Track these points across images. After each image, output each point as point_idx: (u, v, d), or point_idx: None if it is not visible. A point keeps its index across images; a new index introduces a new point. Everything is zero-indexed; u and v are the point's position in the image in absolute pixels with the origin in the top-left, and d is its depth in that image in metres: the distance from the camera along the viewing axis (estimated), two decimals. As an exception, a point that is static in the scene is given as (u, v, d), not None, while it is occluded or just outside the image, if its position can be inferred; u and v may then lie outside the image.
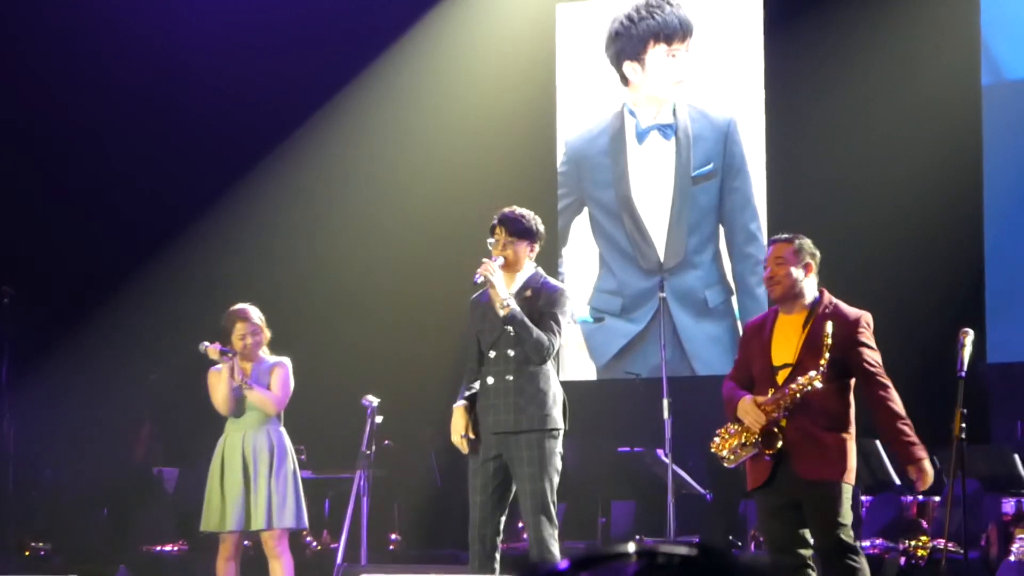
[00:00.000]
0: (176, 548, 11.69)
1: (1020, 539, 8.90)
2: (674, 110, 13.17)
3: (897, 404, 6.92)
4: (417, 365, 12.98)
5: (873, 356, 6.95)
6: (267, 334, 9.05)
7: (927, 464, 6.89)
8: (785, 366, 6.94)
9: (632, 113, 13.33)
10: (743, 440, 6.94)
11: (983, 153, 11.71)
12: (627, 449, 11.41)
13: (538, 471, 7.50)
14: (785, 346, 6.99)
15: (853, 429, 6.97)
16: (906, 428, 6.90)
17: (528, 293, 7.70)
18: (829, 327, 6.83)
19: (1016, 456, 10.01)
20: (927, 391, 9.30)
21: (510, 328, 7.54)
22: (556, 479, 7.58)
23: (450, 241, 13.18)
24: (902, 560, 9.62)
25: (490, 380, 7.61)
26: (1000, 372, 11.48)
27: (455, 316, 12.84)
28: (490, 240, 7.74)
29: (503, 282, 7.59)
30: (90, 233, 13.77)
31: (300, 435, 11.35)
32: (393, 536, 12.05)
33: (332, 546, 10.62)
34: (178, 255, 13.68)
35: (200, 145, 13.69)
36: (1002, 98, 11.70)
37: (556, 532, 7.56)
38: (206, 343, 8.84)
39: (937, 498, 9.87)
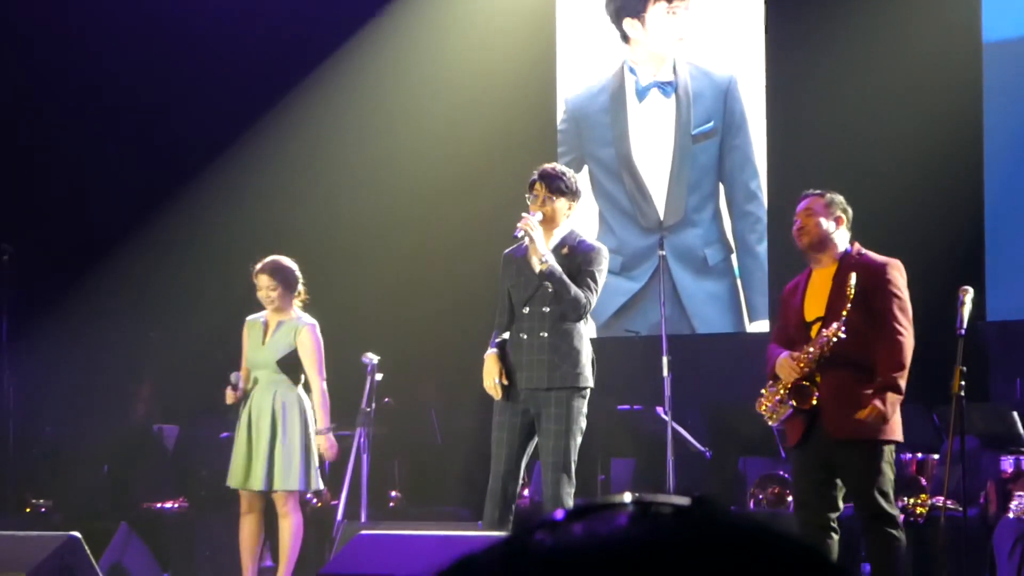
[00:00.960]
0: (176, 505, 11.72)
1: (1018, 497, 8.91)
2: (674, 68, 13.14)
3: (896, 354, 6.82)
4: (417, 323, 12.99)
5: (895, 303, 6.85)
6: (301, 291, 9.02)
7: (877, 406, 6.74)
8: (816, 320, 6.92)
9: (632, 71, 13.30)
10: (780, 397, 6.90)
11: (983, 110, 11.68)
12: (627, 407, 11.42)
13: (564, 428, 7.52)
14: (817, 300, 6.98)
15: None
16: (885, 380, 6.78)
17: (565, 251, 7.70)
18: (853, 278, 6.80)
19: (1015, 414, 10.02)
20: (927, 349, 9.28)
21: (548, 284, 7.52)
22: (579, 439, 7.59)
23: (451, 198, 13.18)
24: (901, 518, 9.64)
25: (523, 336, 7.61)
26: (1000, 330, 11.49)
27: (456, 273, 12.87)
28: (529, 196, 7.73)
29: (543, 237, 7.57)
30: (89, 190, 13.76)
31: (300, 392, 11.38)
32: (393, 493, 12.08)
33: (332, 503, 10.65)
34: (178, 213, 13.67)
35: (200, 103, 13.66)
36: (1003, 55, 11.68)
37: (573, 491, 7.57)
38: (230, 386, 8.86)
39: (936, 456, 9.89)
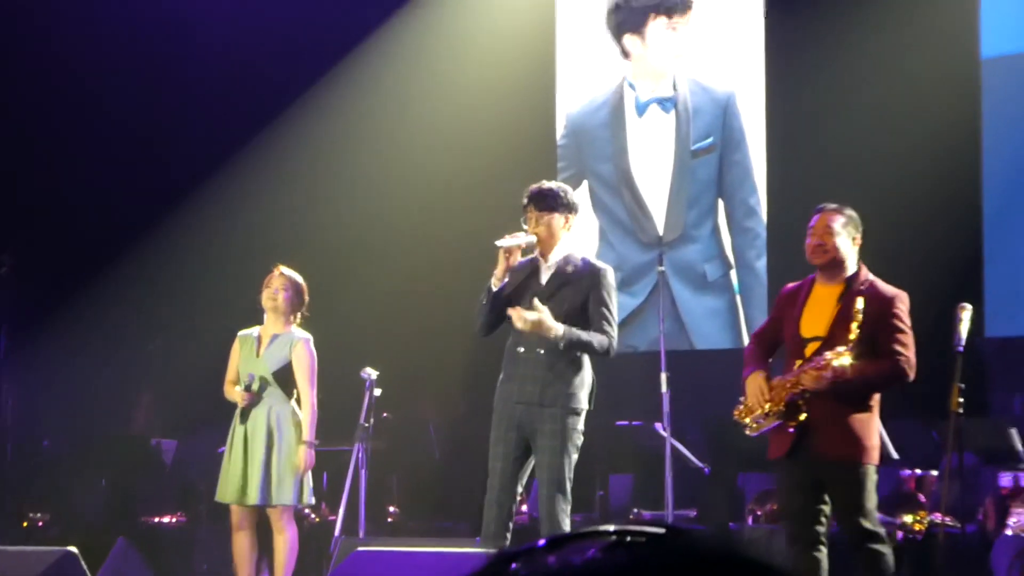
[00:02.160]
0: (175, 519, 11.71)
1: (1017, 513, 8.91)
2: (674, 83, 13.15)
3: (886, 378, 6.80)
4: (416, 338, 12.99)
5: (904, 338, 6.78)
6: (303, 307, 9.02)
7: (825, 376, 6.73)
8: (815, 339, 6.85)
9: (632, 86, 13.31)
10: (766, 410, 6.87)
11: (982, 126, 11.69)
12: (625, 423, 11.41)
13: (559, 446, 7.49)
14: (817, 318, 6.89)
15: (877, 407, 6.90)
16: (865, 383, 6.79)
17: (570, 269, 7.66)
18: (860, 303, 6.73)
19: (1014, 430, 10.02)
20: (925, 365, 9.29)
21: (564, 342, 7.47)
22: (575, 457, 7.56)
23: (451, 213, 13.18)
24: (899, 534, 9.63)
25: (520, 350, 7.57)
26: (998, 346, 11.48)
27: (456, 289, 12.86)
28: (523, 221, 7.70)
29: (544, 317, 7.45)
30: (89, 202, 13.76)
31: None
32: (391, 508, 12.07)
33: (330, 518, 10.64)
34: (177, 225, 13.68)
35: (201, 114, 13.67)
36: (1001, 71, 11.68)
37: (569, 508, 7.55)
38: (245, 387, 8.86)
39: (935, 472, 9.88)
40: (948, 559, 8.48)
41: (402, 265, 13.45)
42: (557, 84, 13.68)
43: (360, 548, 7.86)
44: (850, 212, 7.03)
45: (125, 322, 13.60)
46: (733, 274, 12.84)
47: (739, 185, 12.86)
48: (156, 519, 11.73)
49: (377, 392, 9.87)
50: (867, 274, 6.95)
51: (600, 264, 7.81)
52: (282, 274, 8.98)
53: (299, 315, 9.02)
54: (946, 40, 11.88)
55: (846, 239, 6.93)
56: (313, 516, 11.50)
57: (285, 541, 8.87)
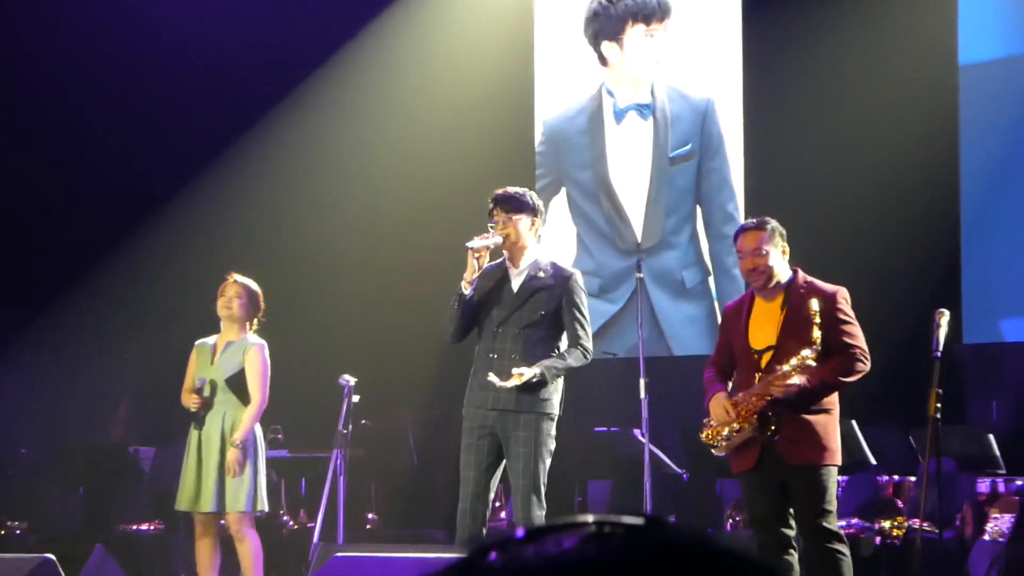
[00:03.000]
0: (152, 527, 11.68)
1: (994, 519, 8.94)
2: (652, 90, 13.16)
3: (846, 373, 6.83)
4: (395, 345, 12.98)
5: (853, 330, 6.88)
6: (259, 314, 9.01)
7: (792, 383, 6.77)
8: (767, 349, 6.90)
9: (610, 93, 13.32)
10: (736, 428, 6.89)
11: (960, 133, 11.72)
12: (604, 429, 11.42)
13: (533, 452, 7.49)
14: (765, 328, 6.94)
15: (837, 409, 6.95)
16: (828, 385, 6.82)
17: (541, 275, 7.68)
18: (815, 304, 6.78)
19: (991, 436, 10.05)
20: (903, 371, 9.31)
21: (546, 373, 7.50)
22: (548, 462, 7.57)
23: (428, 220, 13.17)
24: (877, 540, 9.65)
25: (493, 356, 7.58)
26: (976, 352, 11.51)
27: (434, 295, 12.84)
28: (490, 225, 7.71)
29: (521, 373, 7.47)
30: (67, 210, 13.73)
31: (277, 415, 11.36)
32: (370, 515, 12.06)
33: (309, 525, 10.62)
34: (155, 234, 13.65)
35: (178, 123, 13.65)
36: (979, 78, 11.72)
37: (544, 514, 7.56)
38: (197, 391, 8.85)
39: (913, 478, 9.90)
40: (926, 565, 8.50)
41: (381, 272, 13.44)
42: (535, 91, 13.69)
43: (338, 554, 7.86)
44: (772, 224, 7.05)
45: (102, 330, 13.57)
46: (711, 281, 12.85)
47: (717, 191, 12.87)
48: (134, 527, 11.70)
49: (356, 399, 9.86)
50: (803, 276, 7.00)
51: (570, 269, 7.83)
52: (236, 282, 8.96)
53: (255, 322, 9.00)
54: (924, 47, 11.91)
55: (776, 254, 6.97)
56: (291, 523, 11.48)
57: (247, 548, 8.84)
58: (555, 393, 7.59)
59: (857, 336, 6.89)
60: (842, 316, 6.89)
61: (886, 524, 9.55)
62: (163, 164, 13.67)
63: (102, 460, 12.65)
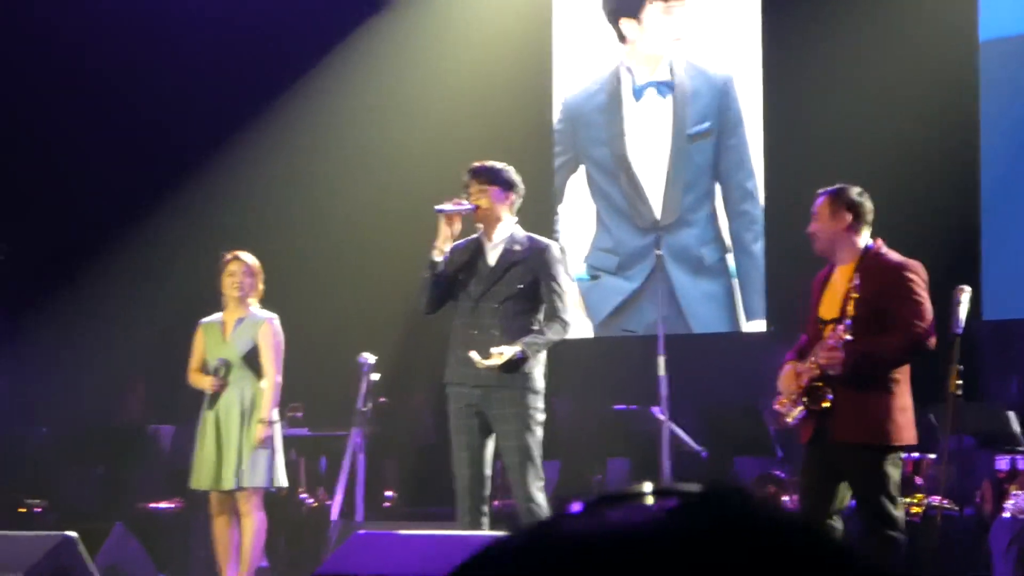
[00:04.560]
0: (172, 505, 11.70)
1: (1014, 496, 8.91)
2: (671, 67, 13.12)
3: (899, 349, 6.75)
4: (412, 322, 12.96)
5: (915, 306, 6.74)
6: (260, 287, 9.04)
7: (836, 354, 6.74)
8: (832, 320, 6.85)
9: (629, 70, 13.29)
10: (794, 397, 6.88)
11: (980, 109, 11.68)
12: (623, 406, 11.40)
13: (523, 426, 7.48)
14: (833, 299, 6.89)
15: (904, 388, 6.83)
16: (871, 352, 6.77)
17: (517, 248, 7.67)
18: (856, 279, 6.74)
19: (1011, 413, 10.02)
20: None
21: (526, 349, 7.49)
22: (540, 432, 7.55)
23: (446, 198, 13.14)
24: (903, 520, 9.63)
25: (474, 332, 7.56)
26: (996, 329, 11.47)
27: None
28: (464, 195, 7.73)
29: (500, 352, 7.45)
30: (81, 189, 13.73)
31: (296, 393, 11.36)
32: (388, 493, 12.07)
33: (328, 503, 10.63)
34: (170, 212, 13.65)
35: (191, 102, 13.64)
36: (999, 54, 11.67)
37: (543, 484, 7.56)
38: (215, 371, 8.86)
39: (932, 455, 9.88)
40: (945, 542, 8.49)
41: (400, 250, 13.42)
42: (553, 69, 13.66)
43: (359, 531, 7.86)
44: (842, 191, 6.99)
45: (120, 309, 13.58)
46: (730, 258, 12.82)
47: (736, 169, 12.84)
48: (152, 505, 11.72)
49: (374, 377, 9.86)
50: (880, 247, 6.92)
51: (546, 240, 7.81)
52: (239, 259, 8.99)
53: (258, 294, 9.03)
54: (944, 23, 11.86)
55: (829, 221, 6.91)
56: (311, 500, 11.50)
57: (252, 525, 8.86)
58: (537, 366, 7.57)
59: (918, 311, 6.74)
60: (904, 291, 6.77)
61: (906, 501, 9.52)
62: (178, 145, 13.66)
63: (120, 439, 12.68)
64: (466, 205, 7.63)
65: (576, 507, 1.05)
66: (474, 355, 7.43)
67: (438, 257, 7.59)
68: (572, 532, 1.04)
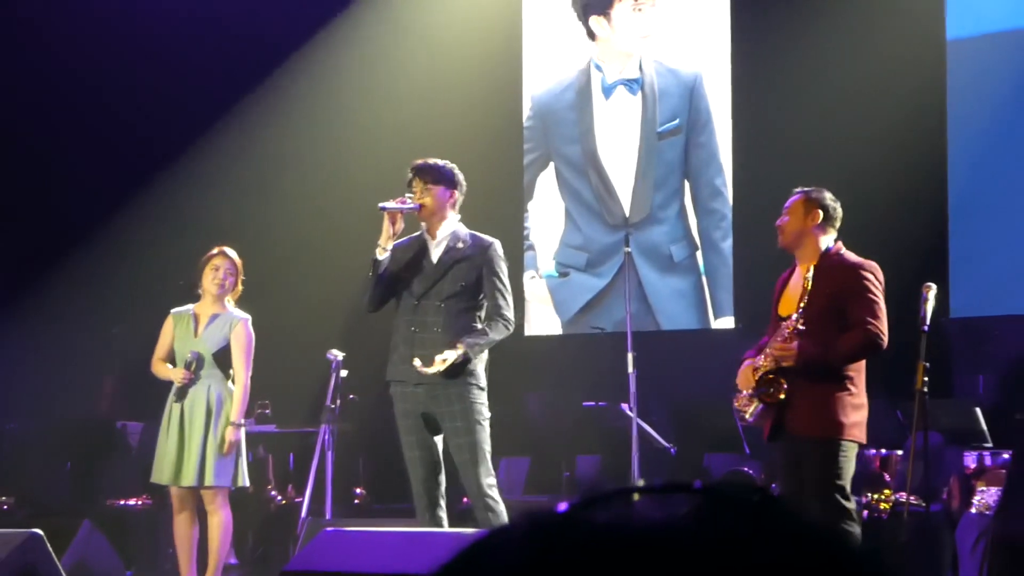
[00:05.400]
0: (140, 502, 11.67)
1: (981, 492, 8.95)
2: (640, 65, 13.14)
3: (853, 347, 6.87)
4: (382, 320, 12.95)
5: (870, 306, 6.89)
6: (240, 287, 9.01)
7: (790, 347, 6.85)
8: (789, 317, 6.97)
9: (598, 68, 13.30)
10: (750, 392, 6.99)
11: (947, 107, 11.72)
12: (592, 403, 11.42)
13: (471, 423, 7.48)
14: (792, 297, 7.03)
15: (859, 386, 6.96)
16: (825, 345, 6.84)
17: (460, 245, 7.67)
18: (810, 273, 6.88)
19: (978, 410, 10.06)
20: (890, 345, 9.32)
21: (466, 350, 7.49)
22: (487, 428, 7.56)
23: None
24: (864, 513, 9.67)
25: (415, 329, 7.56)
26: (963, 326, 11.52)
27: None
28: (409, 195, 7.73)
29: (448, 356, 7.44)
30: (53, 187, 13.69)
31: (265, 390, 11.34)
32: (358, 490, 12.06)
33: (297, 500, 10.62)
34: (141, 209, 13.62)
35: (164, 99, 13.61)
36: (967, 53, 11.71)
37: (494, 481, 7.56)
38: (187, 365, 8.82)
39: (900, 452, 9.92)
40: (913, 538, 8.52)
41: (369, 247, 13.40)
42: (523, 66, 13.67)
43: (327, 528, 7.85)
44: (814, 193, 7.14)
45: (90, 305, 13.54)
46: (699, 255, 12.86)
47: (705, 166, 12.87)
48: (121, 501, 11.69)
49: (344, 374, 9.85)
50: (839, 248, 7.07)
51: (489, 239, 7.80)
52: (225, 254, 8.95)
53: (236, 293, 9.00)
54: (912, 22, 11.90)
55: (800, 217, 7.05)
56: (280, 498, 11.48)
57: (219, 523, 8.83)
58: (479, 364, 7.58)
59: (873, 310, 6.90)
60: (860, 290, 6.92)
61: (873, 497, 9.56)
62: (151, 143, 13.63)
63: (89, 435, 12.64)
64: (410, 204, 7.64)
65: (561, 506, 1.03)
66: (417, 363, 7.43)
67: (381, 255, 7.60)
68: (593, 527, 1.01)
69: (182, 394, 8.82)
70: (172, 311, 9.06)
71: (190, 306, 9.01)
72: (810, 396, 6.86)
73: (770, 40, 12.42)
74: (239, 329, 8.87)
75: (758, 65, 12.53)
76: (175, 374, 8.83)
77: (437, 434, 7.60)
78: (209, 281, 8.92)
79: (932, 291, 7.41)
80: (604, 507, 1.03)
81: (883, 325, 6.92)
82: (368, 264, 7.78)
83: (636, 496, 1.04)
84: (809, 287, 6.88)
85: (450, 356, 7.38)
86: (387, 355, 7.78)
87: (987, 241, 11.52)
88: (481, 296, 7.62)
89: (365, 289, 7.73)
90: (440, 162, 7.78)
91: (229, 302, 8.97)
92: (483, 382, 7.58)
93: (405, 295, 7.65)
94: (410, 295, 7.63)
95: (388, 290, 7.68)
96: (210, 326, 8.89)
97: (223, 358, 8.85)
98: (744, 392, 7.05)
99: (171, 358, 8.97)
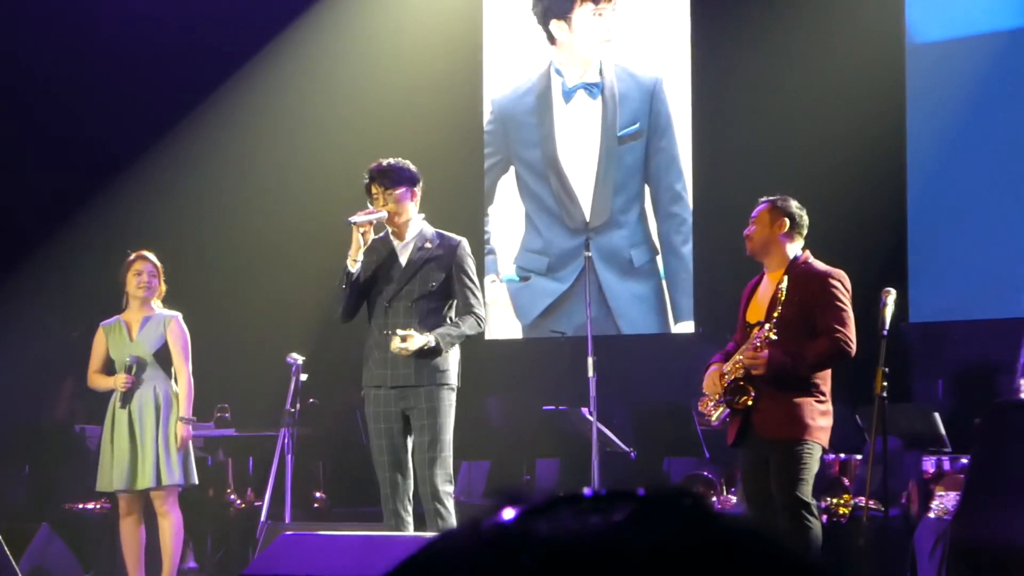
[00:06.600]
0: (99, 506, 11.61)
1: (940, 496, 8.98)
2: (601, 69, 13.16)
3: (822, 354, 6.96)
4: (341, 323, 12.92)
5: (839, 314, 7.02)
6: (163, 287, 9.04)
7: (761, 355, 6.91)
8: (757, 324, 7.06)
9: (559, 72, 13.31)
10: (716, 398, 7.06)
11: (907, 112, 11.76)
12: (552, 407, 11.42)
13: (438, 423, 7.50)
14: (760, 304, 7.13)
15: (826, 393, 7.08)
16: (794, 353, 6.91)
17: (428, 245, 7.68)
18: (784, 282, 6.96)
19: (937, 415, 10.10)
20: (850, 350, 9.35)
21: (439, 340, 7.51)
22: (451, 432, 7.59)
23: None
24: (824, 518, 9.70)
25: (387, 332, 7.57)
26: (922, 331, 11.57)
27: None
28: (369, 202, 7.72)
29: (415, 343, 7.45)
30: (9, 190, 13.61)
31: (224, 393, 11.32)
32: (317, 494, 12.03)
33: (256, 504, 10.58)
34: (100, 212, 13.55)
35: (118, 100, 13.54)
36: (926, 59, 11.76)
37: (452, 487, 7.58)
38: (128, 369, 8.83)
39: (859, 456, 9.95)
40: (872, 542, 8.54)
41: (329, 250, 13.37)
42: (484, 70, 13.66)
43: (286, 532, 7.83)
44: (782, 201, 7.25)
45: (48, 309, 13.47)
46: (659, 259, 12.87)
47: (665, 171, 12.89)
48: (80, 506, 11.63)
49: (303, 377, 9.83)
50: (807, 257, 7.16)
51: (456, 237, 7.82)
52: (145, 257, 8.99)
53: (160, 293, 9.05)
54: (872, 27, 11.94)
55: (767, 226, 7.14)
56: (239, 502, 11.44)
57: (171, 524, 8.83)
58: (453, 364, 7.60)
59: (841, 318, 7.03)
60: (829, 298, 7.04)
61: (832, 502, 9.59)
62: (108, 145, 13.56)
63: (47, 439, 12.58)
64: (378, 213, 7.63)
65: (511, 510, 1.05)
66: (394, 341, 7.43)
67: (353, 267, 7.59)
68: (529, 535, 1.03)
69: (127, 399, 8.82)
70: (101, 324, 9.11)
71: (117, 316, 9.04)
72: (779, 401, 6.95)
73: (730, 44, 12.45)
74: (173, 326, 8.92)
75: (718, 69, 12.55)
76: (116, 381, 8.86)
77: (409, 438, 7.60)
78: (134, 286, 8.96)
79: (891, 296, 7.44)
80: (546, 516, 1.04)
81: (851, 333, 7.03)
82: (334, 272, 7.78)
83: (579, 504, 1.05)
84: (783, 297, 6.94)
85: (420, 339, 7.39)
86: (349, 359, 7.78)
87: (946, 246, 11.57)
88: (451, 295, 7.64)
89: (335, 300, 7.71)
90: (395, 162, 7.78)
91: (156, 303, 9.01)
92: (455, 381, 7.60)
93: (377, 299, 7.66)
94: (381, 299, 7.64)
95: (360, 297, 7.68)
96: (144, 329, 8.93)
97: (163, 358, 8.90)
98: (710, 397, 7.11)
99: (107, 369, 9.00)
